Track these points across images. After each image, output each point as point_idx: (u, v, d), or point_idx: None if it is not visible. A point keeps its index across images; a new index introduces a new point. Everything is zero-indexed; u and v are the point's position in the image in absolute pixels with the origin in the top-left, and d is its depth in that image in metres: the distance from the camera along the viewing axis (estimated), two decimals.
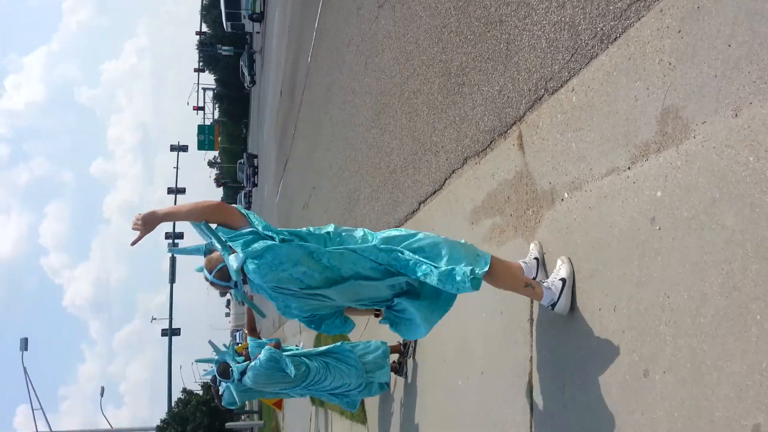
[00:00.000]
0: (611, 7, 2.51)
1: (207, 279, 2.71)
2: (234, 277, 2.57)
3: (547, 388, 2.85)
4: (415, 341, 5.01)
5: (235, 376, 4.66)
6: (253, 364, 4.72)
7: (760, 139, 1.80)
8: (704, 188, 2.00)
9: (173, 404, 22.91)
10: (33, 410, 21.08)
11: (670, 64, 2.18)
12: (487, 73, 3.66)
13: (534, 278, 2.82)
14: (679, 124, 2.13)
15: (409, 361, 5.07)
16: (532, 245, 3.02)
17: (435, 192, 4.56)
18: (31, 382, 21.48)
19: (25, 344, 22.21)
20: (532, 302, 3.11)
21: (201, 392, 21.58)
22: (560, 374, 2.74)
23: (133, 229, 2.50)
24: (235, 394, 4.76)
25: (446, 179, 4.33)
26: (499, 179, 3.49)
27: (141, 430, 22.99)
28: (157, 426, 21.60)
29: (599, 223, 2.57)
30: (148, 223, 2.47)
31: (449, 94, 4.27)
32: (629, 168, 2.39)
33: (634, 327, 2.27)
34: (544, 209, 3.03)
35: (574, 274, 2.69)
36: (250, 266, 2.51)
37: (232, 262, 2.50)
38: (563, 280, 2.68)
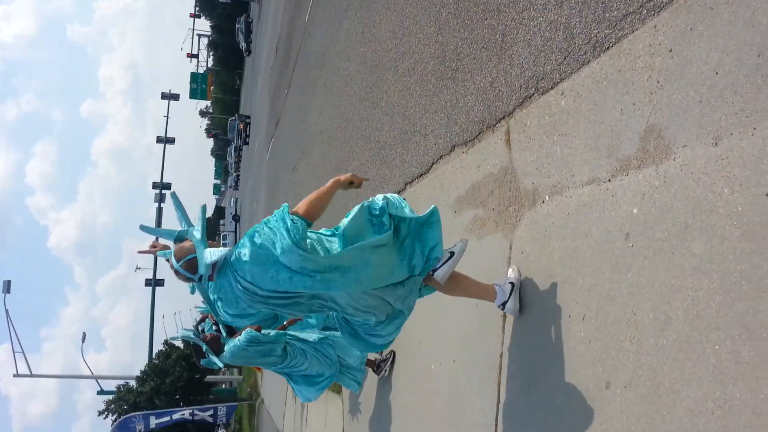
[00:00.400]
0: (607, 15, 2.48)
1: (173, 267, 2.62)
2: (202, 271, 2.53)
3: (514, 384, 2.92)
4: (393, 359, 5.07)
5: (216, 363, 4.72)
6: (232, 343, 4.75)
7: (736, 173, 1.82)
8: (678, 212, 2.02)
9: (154, 356, 23.19)
10: (14, 353, 21.25)
11: (658, 82, 2.17)
12: (481, 63, 3.63)
13: (505, 302, 2.91)
14: (660, 144, 2.14)
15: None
16: (510, 270, 3.06)
17: (421, 175, 4.56)
18: (12, 325, 21.59)
19: (7, 287, 22.23)
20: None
21: (182, 347, 21.83)
22: (528, 373, 2.80)
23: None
24: (215, 360, 4.81)
25: (433, 164, 4.33)
26: (485, 172, 3.50)
27: (122, 378, 23.31)
28: (137, 377, 21.89)
29: (576, 230, 2.60)
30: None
31: (442, 78, 4.24)
32: (609, 180, 2.41)
33: (600, 339, 2.33)
34: (525, 208, 3.05)
35: (521, 280, 2.95)
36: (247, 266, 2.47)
37: (208, 256, 2.49)
38: (512, 283, 2.92)
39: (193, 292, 2.71)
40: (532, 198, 2.99)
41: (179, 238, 2.64)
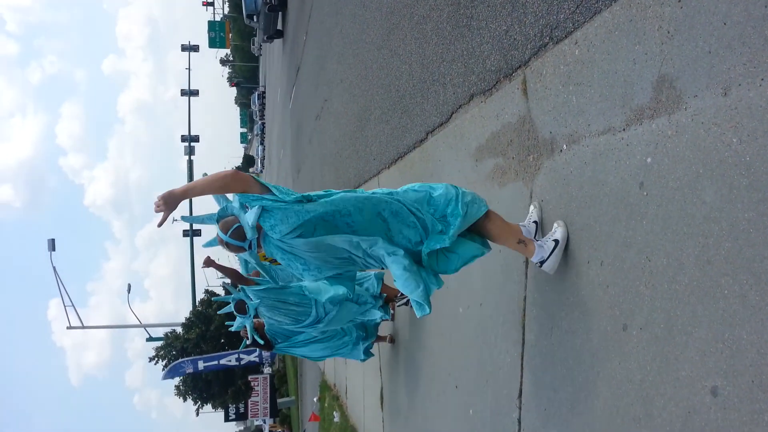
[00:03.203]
0: None
1: (222, 240, 2.72)
2: (249, 236, 2.67)
3: (537, 327, 3.06)
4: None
5: (251, 312, 4.95)
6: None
7: (744, 123, 1.87)
8: (690, 162, 2.08)
9: (197, 303, 24.06)
10: (65, 307, 22.25)
11: (668, 32, 2.19)
12: (496, 10, 3.62)
13: (544, 260, 2.86)
14: (672, 94, 2.18)
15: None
16: (531, 207, 3.10)
17: (442, 124, 4.60)
18: (61, 281, 22.54)
19: (52, 245, 23.07)
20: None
21: (223, 294, 22.61)
22: (550, 316, 2.94)
23: (156, 211, 2.55)
24: (249, 329, 5.07)
25: (453, 113, 4.37)
26: (503, 121, 3.55)
27: (168, 326, 24.33)
28: (183, 323, 22.82)
29: (593, 179, 2.67)
30: (168, 202, 2.51)
31: (458, 26, 4.22)
32: (624, 129, 2.46)
33: (617, 283, 2.43)
34: (543, 157, 3.12)
35: (568, 237, 2.82)
36: (269, 222, 2.64)
37: (248, 216, 2.64)
38: (556, 241, 2.82)
39: (250, 260, 2.87)
40: (551, 147, 3.04)
41: (221, 216, 2.73)
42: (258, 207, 2.66)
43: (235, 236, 2.68)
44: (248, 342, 5.24)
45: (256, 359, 16.12)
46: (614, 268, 2.47)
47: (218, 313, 5.93)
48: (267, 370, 21.79)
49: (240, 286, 5.09)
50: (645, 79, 2.32)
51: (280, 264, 3.23)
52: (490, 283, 3.70)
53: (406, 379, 5.66)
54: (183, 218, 2.91)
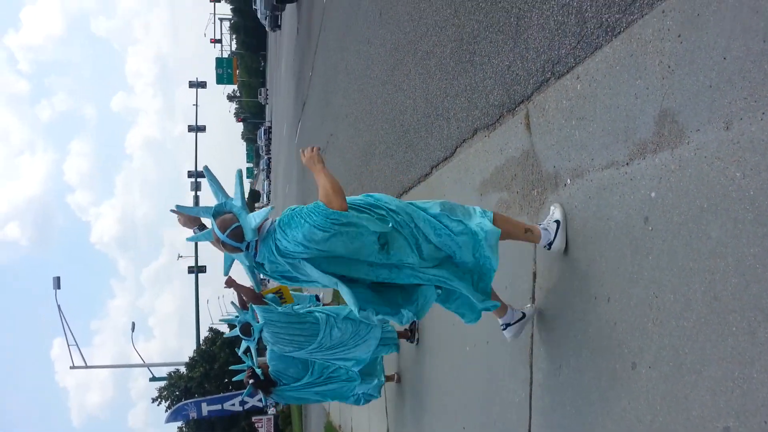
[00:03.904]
0: None
1: (218, 238, 2.61)
2: (249, 237, 2.57)
3: (545, 365, 3.00)
4: (418, 328, 5.36)
5: (256, 334, 4.93)
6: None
7: (747, 157, 1.85)
8: (694, 196, 2.06)
9: (201, 341, 23.92)
10: (69, 346, 22.14)
11: (669, 67, 2.19)
12: (498, 46, 3.65)
13: (551, 242, 2.90)
14: (675, 128, 2.17)
15: (419, 326, 5.36)
16: (552, 207, 2.99)
17: (446, 159, 4.61)
18: (65, 319, 22.45)
19: (57, 283, 23.06)
20: (534, 280, 3.23)
21: (227, 332, 22.48)
22: (557, 355, 2.89)
23: (308, 158, 2.81)
24: (253, 354, 5.04)
25: (457, 147, 4.38)
26: (507, 155, 3.55)
27: (172, 365, 24.13)
28: (186, 363, 22.64)
29: (597, 213, 2.65)
30: (313, 159, 2.79)
31: (461, 62, 4.26)
32: (627, 164, 2.45)
33: (624, 320, 2.39)
34: (548, 191, 3.10)
35: (566, 216, 2.89)
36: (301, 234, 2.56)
37: (252, 220, 2.55)
38: (557, 221, 2.89)
39: (226, 273, 2.78)
40: (555, 181, 3.03)
41: (217, 212, 2.63)
42: (267, 210, 2.60)
43: (233, 236, 2.58)
44: (250, 381, 5.21)
45: (259, 403, 15.93)
46: (621, 304, 2.43)
47: (225, 336, 6.02)
48: (271, 410, 21.52)
49: (250, 304, 5.06)
50: (647, 114, 2.31)
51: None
52: (497, 319, 3.65)
53: (413, 420, 5.56)
54: (177, 208, 2.77)
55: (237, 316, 5.07)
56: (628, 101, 2.44)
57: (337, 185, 2.63)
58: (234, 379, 5.22)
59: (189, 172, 46.03)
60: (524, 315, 3.09)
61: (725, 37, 1.93)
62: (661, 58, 2.23)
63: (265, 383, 5.40)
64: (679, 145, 2.15)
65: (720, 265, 1.92)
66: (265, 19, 28.25)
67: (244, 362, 5.36)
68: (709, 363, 1.94)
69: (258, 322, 4.91)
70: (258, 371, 5.24)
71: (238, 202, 2.61)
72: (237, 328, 5.04)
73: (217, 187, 2.69)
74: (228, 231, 2.57)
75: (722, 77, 1.95)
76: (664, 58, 2.21)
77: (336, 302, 7.94)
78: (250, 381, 5.26)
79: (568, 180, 2.90)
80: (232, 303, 5.03)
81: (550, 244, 2.90)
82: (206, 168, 2.78)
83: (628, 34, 2.42)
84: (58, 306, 22.78)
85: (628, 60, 2.43)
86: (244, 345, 5.06)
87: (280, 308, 5.01)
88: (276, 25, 29.10)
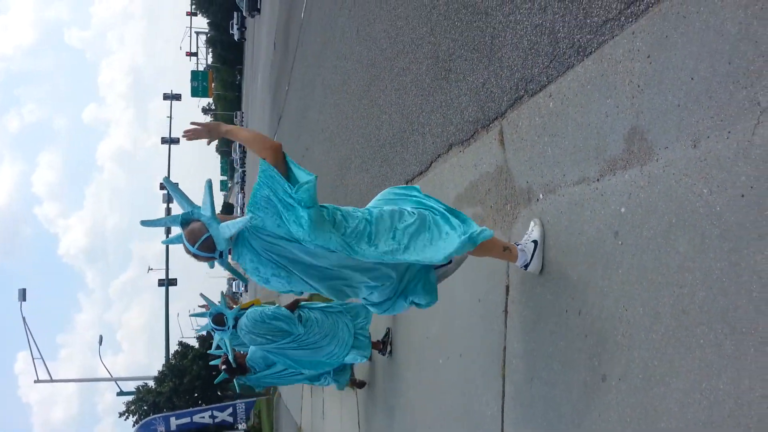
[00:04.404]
0: (588, 20, 2.56)
1: (189, 252, 2.49)
2: (222, 247, 2.46)
3: (517, 378, 3.03)
4: (391, 341, 5.43)
5: (230, 322, 4.86)
6: (251, 310, 4.94)
7: (713, 174, 1.91)
8: (663, 212, 2.12)
9: (170, 356, 23.53)
10: (33, 359, 21.57)
11: (638, 86, 2.26)
12: (473, 64, 3.71)
13: (528, 263, 2.89)
14: (644, 145, 2.23)
15: (393, 337, 5.38)
16: (532, 223, 2.97)
17: (421, 173, 4.65)
18: (30, 332, 21.90)
19: (23, 294, 22.53)
20: (507, 293, 3.26)
21: (197, 345, 22.14)
22: (530, 367, 2.92)
23: (189, 132, 2.59)
24: (227, 344, 4.99)
25: (432, 162, 4.43)
26: (481, 171, 3.59)
27: (140, 379, 23.66)
28: (155, 377, 22.22)
29: (569, 228, 2.69)
30: (212, 131, 2.57)
31: (436, 79, 4.32)
32: (598, 180, 2.50)
33: (595, 333, 2.43)
34: (521, 206, 3.15)
35: (544, 236, 2.88)
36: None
37: (226, 230, 2.42)
38: (535, 242, 2.87)
39: (212, 267, 2.63)
40: (527, 196, 3.08)
41: (185, 221, 2.49)
42: (247, 220, 2.43)
43: (204, 248, 2.45)
44: (224, 367, 5.25)
45: (230, 417, 15.68)
46: (592, 317, 2.47)
47: (198, 332, 6.13)
48: (242, 426, 21.19)
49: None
50: (617, 132, 2.37)
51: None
52: (470, 333, 3.67)
53: None
54: (143, 223, 2.59)
55: (209, 311, 5.00)
56: (598, 119, 2.50)
57: (257, 136, 2.55)
58: (212, 363, 5.28)
59: (161, 184, 45.54)
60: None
61: (693, 58, 2.00)
62: (631, 77, 2.30)
63: (238, 370, 5.49)
64: (648, 162, 2.21)
65: (688, 278, 1.97)
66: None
67: (218, 356, 5.46)
68: (678, 375, 1.98)
69: (230, 309, 4.90)
70: (231, 359, 5.28)
71: (207, 212, 2.46)
72: (209, 322, 4.95)
73: (181, 196, 2.54)
74: (198, 243, 2.45)
75: (690, 97, 2.01)
76: (634, 77, 2.28)
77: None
78: (223, 367, 5.28)
79: (541, 195, 2.95)
80: (202, 295, 4.93)
81: (526, 266, 2.90)
82: (166, 179, 2.65)
83: (599, 54, 2.49)
84: (23, 318, 22.23)
85: (599, 79, 2.49)
86: (217, 337, 5.00)
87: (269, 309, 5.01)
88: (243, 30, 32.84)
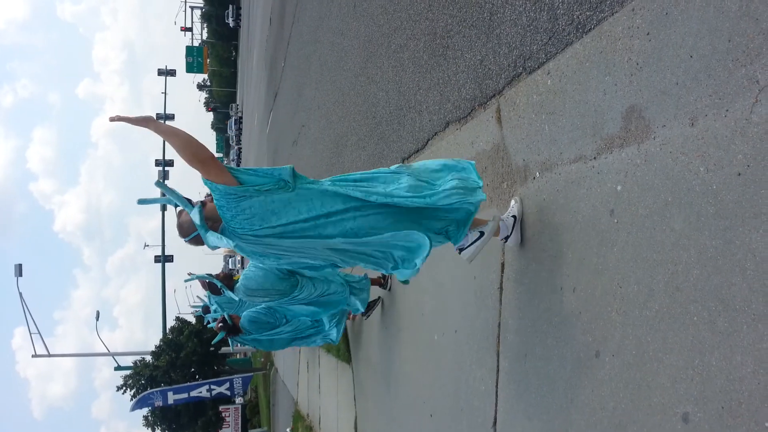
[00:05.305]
0: None
1: (185, 241, 2.72)
2: (210, 246, 2.64)
3: (511, 354, 3.06)
4: (377, 303, 5.66)
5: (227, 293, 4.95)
6: (245, 271, 4.99)
7: (711, 152, 1.91)
8: (659, 190, 2.12)
9: (167, 331, 23.63)
10: (31, 334, 21.62)
11: (637, 64, 2.25)
12: (471, 41, 3.68)
13: (508, 236, 3.06)
14: (641, 123, 2.23)
15: (388, 301, 5.49)
16: (512, 201, 3.13)
17: (418, 151, 4.64)
18: (27, 307, 21.90)
19: (19, 270, 22.48)
20: (502, 270, 3.28)
21: (194, 321, 22.23)
22: (524, 343, 2.95)
23: (117, 118, 2.53)
24: (221, 308, 5.16)
25: (429, 140, 4.41)
26: (478, 148, 3.59)
27: (137, 354, 23.77)
28: (152, 351, 22.33)
29: (565, 206, 2.70)
30: (141, 120, 2.51)
31: (434, 56, 4.29)
32: (595, 158, 2.50)
33: (589, 310, 2.45)
34: (517, 184, 3.15)
35: (523, 212, 3.05)
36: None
37: (213, 240, 2.59)
38: (514, 217, 3.05)
39: (209, 245, 2.73)
40: (524, 174, 3.08)
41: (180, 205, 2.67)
42: (197, 210, 2.56)
43: (194, 242, 2.69)
44: (220, 325, 5.38)
45: (227, 391, 15.83)
46: (586, 294, 2.49)
47: (195, 308, 6.47)
48: (239, 400, 21.40)
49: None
50: (615, 109, 2.37)
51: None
52: (465, 309, 3.70)
53: (381, 408, 5.60)
54: (140, 201, 2.71)
55: (206, 282, 5.11)
56: (596, 97, 2.49)
57: (189, 141, 2.51)
58: (209, 326, 5.41)
59: (156, 160, 45.31)
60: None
61: (692, 36, 1.99)
62: (629, 55, 2.29)
63: (235, 329, 5.64)
64: (645, 140, 2.21)
65: (683, 256, 1.98)
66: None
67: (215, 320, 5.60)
68: (671, 351, 2.00)
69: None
70: (227, 319, 5.51)
71: (197, 220, 2.59)
72: (208, 293, 5.10)
73: (176, 197, 2.66)
74: (188, 238, 2.69)
75: (688, 75, 2.01)
76: (633, 55, 2.27)
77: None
78: (220, 325, 5.48)
79: (537, 173, 2.95)
80: (190, 273, 5.02)
81: (506, 238, 3.06)
82: (159, 183, 2.72)
83: (599, 31, 2.47)
84: (20, 293, 22.25)
85: (597, 57, 2.48)
86: (213, 305, 5.15)
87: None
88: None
